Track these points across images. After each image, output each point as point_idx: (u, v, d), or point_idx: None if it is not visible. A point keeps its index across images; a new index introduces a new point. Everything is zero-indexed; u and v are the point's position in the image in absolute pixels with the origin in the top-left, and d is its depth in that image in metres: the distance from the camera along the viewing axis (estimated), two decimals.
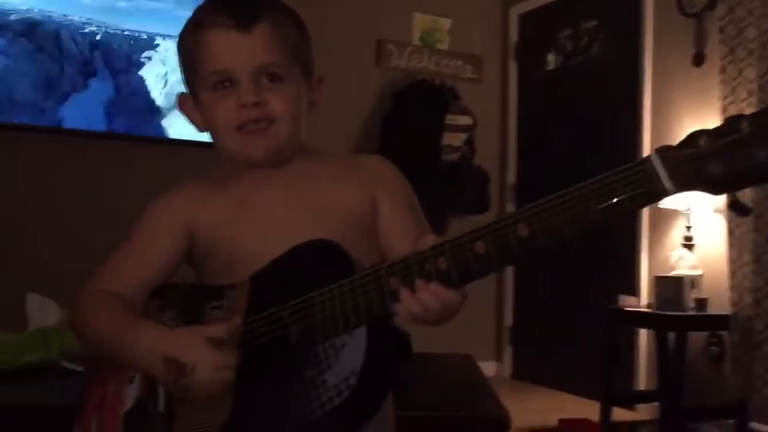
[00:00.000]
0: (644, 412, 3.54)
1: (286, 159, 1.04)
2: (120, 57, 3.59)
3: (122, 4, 3.62)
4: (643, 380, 3.62)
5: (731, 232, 3.16)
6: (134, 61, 3.62)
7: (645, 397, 3.51)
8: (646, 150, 3.71)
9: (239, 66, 0.99)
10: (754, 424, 2.95)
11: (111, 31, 3.58)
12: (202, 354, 0.88)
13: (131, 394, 0.95)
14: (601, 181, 0.79)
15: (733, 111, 3.19)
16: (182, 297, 1.00)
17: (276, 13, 1.02)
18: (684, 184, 0.75)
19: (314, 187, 1.04)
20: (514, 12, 4.60)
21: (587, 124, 4.09)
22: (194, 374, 0.87)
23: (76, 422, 1.02)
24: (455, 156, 4.20)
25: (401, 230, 1.02)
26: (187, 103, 1.08)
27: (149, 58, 3.66)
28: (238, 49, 0.98)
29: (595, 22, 4.16)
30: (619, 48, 3.97)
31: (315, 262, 0.92)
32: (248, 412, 0.91)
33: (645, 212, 3.70)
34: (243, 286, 0.95)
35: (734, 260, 3.13)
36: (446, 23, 4.45)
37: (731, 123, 0.72)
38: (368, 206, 1.04)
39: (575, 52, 4.26)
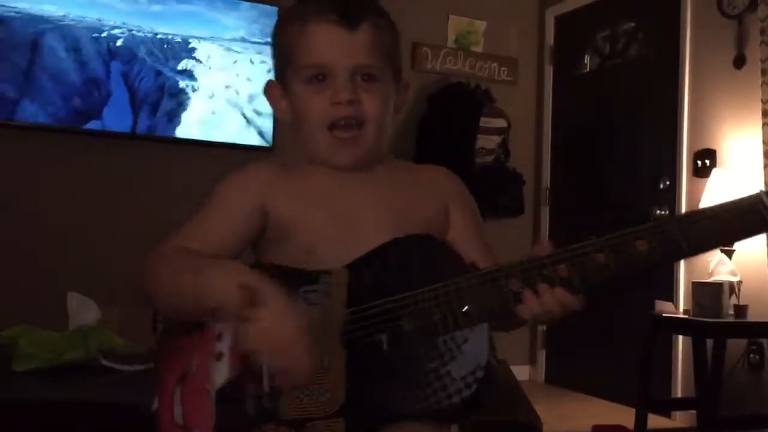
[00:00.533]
0: (681, 419, 3.49)
1: (370, 164, 1.05)
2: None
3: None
4: (680, 387, 3.56)
5: None
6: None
7: (682, 404, 3.46)
8: (685, 154, 3.65)
9: (339, 62, 0.99)
10: None
11: (140, 34, 3.64)
12: (278, 293, 0.85)
13: (221, 371, 0.90)
14: (716, 210, 0.88)
15: None
16: (272, 279, 0.95)
17: (378, 15, 1.04)
18: None
19: (394, 194, 1.05)
20: (550, 14, 4.56)
21: (624, 127, 4.04)
22: (266, 308, 0.83)
23: (155, 394, 1.00)
24: (489, 159, 4.18)
25: (471, 242, 1.06)
26: (274, 91, 1.08)
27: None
28: (341, 46, 1.00)
29: (632, 24, 4.11)
30: (658, 49, 3.91)
31: (420, 257, 0.95)
32: (362, 399, 0.91)
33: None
34: (340, 274, 0.94)
35: None
36: (481, 25, 4.44)
37: None
38: (443, 216, 1.07)
39: (612, 54, 4.21)
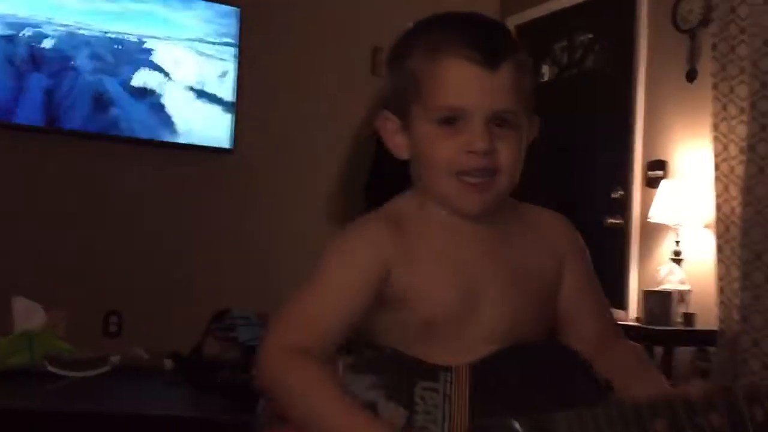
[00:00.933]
0: None
1: (491, 212, 0.96)
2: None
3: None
4: None
5: (720, 248, 3.17)
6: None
7: None
8: (638, 166, 3.72)
9: (477, 107, 0.90)
10: None
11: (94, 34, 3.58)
12: None
13: None
14: None
15: (724, 128, 3.21)
16: (386, 364, 0.89)
17: (519, 53, 0.94)
18: None
19: (515, 250, 0.97)
20: (511, 23, 4.60)
21: (579, 137, 4.11)
22: None
23: None
24: None
25: (585, 305, 1.00)
26: (389, 125, 0.99)
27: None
28: (481, 89, 0.90)
29: (590, 35, 4.18)
30: (613, 61, 3.99)
31: (550, 368, 0.87)
32: None
33: (635, 226, 3.72)
34: (461, 373, 0.86)
35: (722, 276, 3.14)
36: None
37: None
38: (558, 275, 1.00)
39: (570, 65, 4.28)
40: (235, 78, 3.85)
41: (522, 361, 0.88)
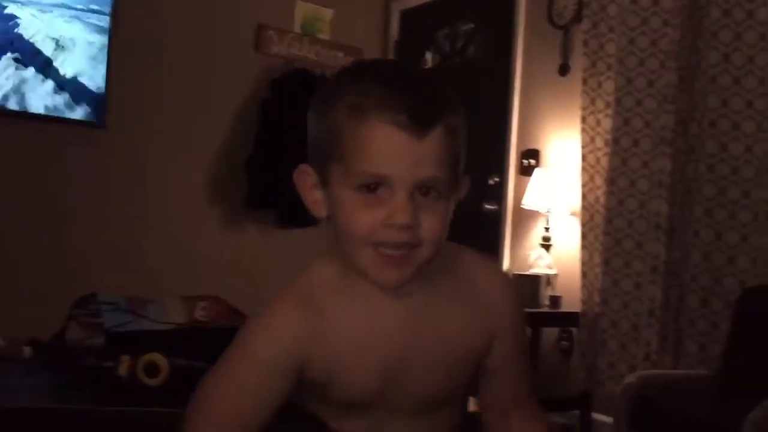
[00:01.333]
0: None
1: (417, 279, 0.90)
2: None
3: None
4: None
5: (584, 235, 3.36)
6: None
7: None
8: (513, 154, 3.87)
9: (401, 176, 0.82)
10: (596, 415, 3.16)
11: None
12: None
13: None
14: None
15: (591, 121, 3.39)
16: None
17: (453, 114, 0.85)
18: None
19: (443, 319, 0.92)
20: (396, 7, 4.65)
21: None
22: None
23: None
24: None
25: (509, 372, 0.98)
26: (307, 179, 0.90)
27: None
28: (405, 157, 0.82)
29: (471, 25, 4.28)
30: (493, 52, 4.11)
31: None
32: None
33: (508, 211, 3.87)
34: None
35: (586, 261, 3.33)
36: (328, 13, 4.44)
37: None
38: (488, 343, 0.95)
39: (452, 53, 4.37)
40: (107, 52, 3.65)
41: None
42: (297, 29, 4.34)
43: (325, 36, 4.43)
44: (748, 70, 2.92)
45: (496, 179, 3.97)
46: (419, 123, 0.81)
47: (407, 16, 4.60)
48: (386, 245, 0.84)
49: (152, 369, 1.51)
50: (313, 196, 0.90)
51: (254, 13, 4.17)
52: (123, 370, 1.50)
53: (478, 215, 3.96)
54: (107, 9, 3.64)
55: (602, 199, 3.31)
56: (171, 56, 3.89)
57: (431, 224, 0.85)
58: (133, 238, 3.75)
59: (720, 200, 2.96)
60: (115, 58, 3.68)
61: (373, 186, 0.83)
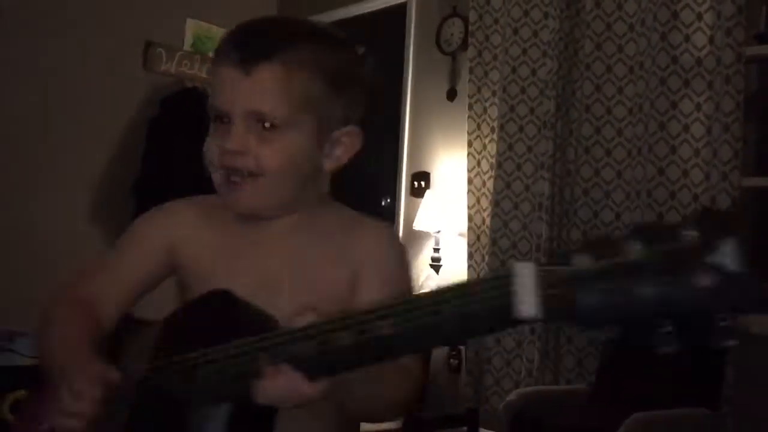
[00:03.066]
0: (391, 421, 3.75)
1: (283, 214, 0.98)
2: None
3: None
4: None
5: (471, 255, 3.47)
6: None
7: None
8: (404, 177, 3.95)
9: (232, 107, 0.92)
10: (484, 431, 3.25)
11: None
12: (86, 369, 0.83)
13: None
14: (466, 287, 0.64)
15: (478, 145, 3.51)
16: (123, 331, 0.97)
17: (294, 54, 0.91)
18: (550, 313, 0.58)
19: (303, 257, 0.97)
20: None
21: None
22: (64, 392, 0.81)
23: None
24: None
25: None
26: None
27: None
28: (234, 90, 0.91)
29: (364, 48, 4.34)
30: (384, 76, 4.19)
31: (215, 316, 0.84)
32: None
33: (400, 232, 3.94)
34: (157, 327, 0.91)
35: None
36: (220, 32, 4.39)
37: (618, 242, 0.56)
38: (348, 291, 0.96)
39: None
40: None
41: (199, 310, 0.86)
42: (187, 47, 4.28)
43: None
44: (618, 100, 3.11)
45: (388, 200, 4.04)
46: (246, 59, 0.90)
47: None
48: (229, 170, 0.93)
49: (18, 407, 1.44)
50: None
51: (143, 30, 4.08)
52: None
53: None
54: None
55: (488, 221, 3.43)
56: (54, 72, 3.75)
57: (269, 154, 0.92)
58: (8, 262, 3.56)
59: (595, 222, 3.13)
60: None
61: (221, 118, 0.93)
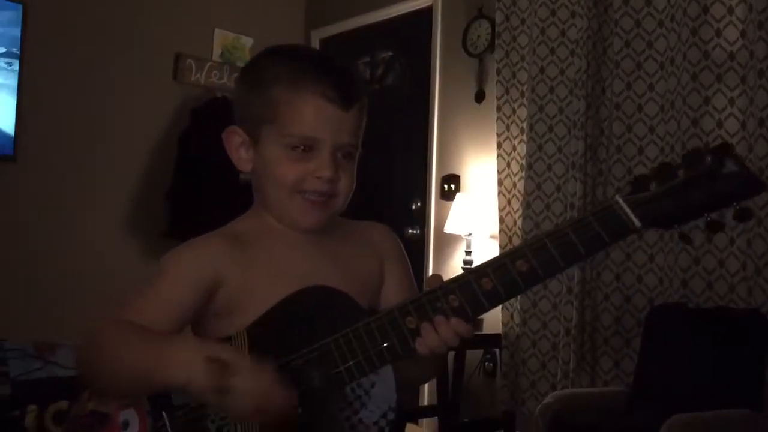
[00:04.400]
0: (428, 426, 3.75)
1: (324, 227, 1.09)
2: None
3: None
4: (427, 396, 3.82)
5: None
6: None
7: (427, 412, 3.71)
8: (433, 180, 3.94)
9: (328, 140, 1.01)
10: None
11: None
12: (244, 357, 0.88)
13: None
14: (581, 221, 0.91)
15: (507, 147, 3.49)
16: None
17: (365, 95, 1.07)
18: (648, 221, 0.89)
19: (343, 256, 1.09)
20: (316, 36, 4.69)
21: (380, 152, 4.26)
22: (236, 375, 0.85)
23: None
24: None
25: (403, 296, 1.09)
26: (234, 138, 1.07)
27: None
28: (333, 125, 1.01)
29: (390, 53, 4.36)
30: (411, 80, 4.19)
31: (316, 308, 0.96)
32: None
33: (431, 236, 3.93)
34: (240, 338, 0.95)
35: None
36: (248, 42, 4.44)
37: (669, 170, 0.89)
38: (380, 275, 1.12)
39: (372, 80, 4.43)
40: (17, 82, 3.55)
41: (290, 309, 0.97)
42: (216, 58, 4.32)
43: (244, 64, 4.42)
44: (649, 98, 3.07)
45: (418, 204, 4.03)
46: (345, 98, 1.02)
47: (327, 44, 4.64)
48: (311, 193, 1.03)
49: (61, 417, 1.47)
50: (240, 154, 1.07)
51: (172, 42, 4.14)
52: (30, 420, 1.46)
53: (402, 240, 3.99)
54: (18, 34, 3.54)
55: (519, 223, 3.41)
56: (85, 85, 3.82)
57: (346, 179, 1.05)
58: (47, 274, 3.63)
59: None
60: (26, 89, 3.58)
61: (303, 147, 1.02)
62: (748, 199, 0.88)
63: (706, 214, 0.88)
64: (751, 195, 0.88)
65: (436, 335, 0.92)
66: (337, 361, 0.93)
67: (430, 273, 3.90)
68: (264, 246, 1.05)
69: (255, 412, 0.87)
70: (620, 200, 0.90)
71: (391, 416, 0.93)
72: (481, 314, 0.94)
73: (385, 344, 0.92)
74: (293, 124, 1.01)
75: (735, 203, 0.87)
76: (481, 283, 0.91)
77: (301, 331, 0.94)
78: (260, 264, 1.03)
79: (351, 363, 0.92)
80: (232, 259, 1.01)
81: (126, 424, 0.91)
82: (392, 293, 1.13)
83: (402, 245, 1.19)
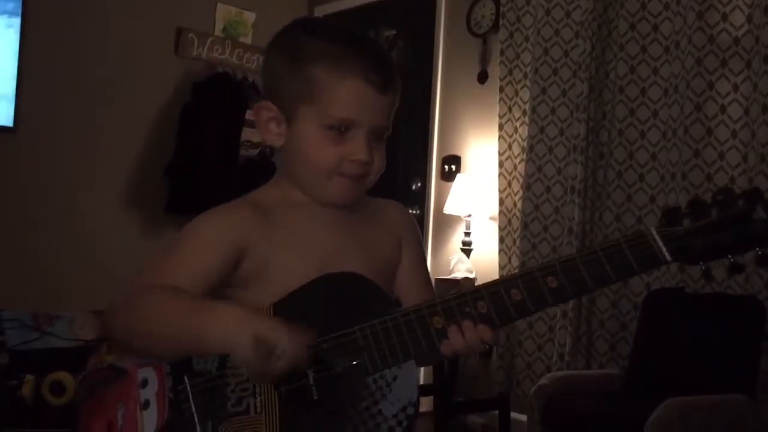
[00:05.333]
0: (424, 406, 3.77)
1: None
2: None
3: None
4: (423, 376, 3.84)
5: (502, 239, 3.45)
6: None
7: (423, 391, 3.73)
8: (434, 160, 3.93)
9: (366, 122, 1.02)
10: (515, 414, 3.25)
11: None
12: (287, 332, 0.87)
13: (149, 420, 0.90)
14: (614, 246, 0.92)
15: (509, 128, 3.48)
16: None
17: (398, 81, 1.07)
18: (678, 256, 0.91)
19: (365, 232, 1.10)
20: (319, 12, 4.65)
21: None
22: (284, 353, 0.86)
23: None
24: (254, 152, 4.18)
25: (420, 278, 1.15)
26: (266, 114, 1.06)
27: None
28: (373, 108, 1.02)
29: (393, 31, 4.33)
30: (414, 59, 4.16)
31: (346, 295, 0.97)
32: None
33: (431, 216, 3.93)
34: (266, 314, 0.95)
35: (504, 265, 3.42)
36: (250, 17, 4.40)
37: (702, 208, 0.92)
38: (398, 251, 1.13)
39: None
40: (17, 53, 3.53)
41: (321, 291, 0.97)
42: (218, 32, 4.29)
43: (247, 39, 4.39)
44: (653, 81, 3.05)
45: (419, 184, 4.02)
46: (384, 82, 1.02)
47: (335, 22, 4.60)
48: (346, 175, 1.03)
49: (58, 388, 1.48)
50: (270, 128, 1.06)
51: (173, 16, 4.11)
52: (27, 390, 1.47)
53: None
54: (18, 9, 3.52)
55: (519, 205, 3.41)
56: (86, 59, 3.79)
57: (379, 160, 1.06)
58: (45, 245, 3.64)
59: (628, 205, 3.09)
60: (27, 60, 3.56)
61: (340, 127, 1.01)
62: None
63: (730, 256, 0.92)
64: None
65: (462, 339, 0.93)
66: (362, 351, 0.94)
67: (430, 253, 3.90)
68: (289, 219, 1.04)
69: (283, 373, 0.89)
70: (654, 232, 0.91)
71: (410, 410, 0.95)
72: (508, 324, 0.97)
73: (411, 341, 0.94)
74: (333, 105, 1.00)
75: (758, 249, 0.90)
76: (511, 294, 0.93)
77: (328, 316, 0.95)
78: (285, 237, 1.03)
79: (375, 354, 0.93)
80: (259, 228, 1.01)
81: (145, 383, 0.92)
82: (407, 272, 1.14)
83: (417, 224, 1.20)
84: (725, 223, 0.90)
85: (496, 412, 3.31)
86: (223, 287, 1.01)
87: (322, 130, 1.01)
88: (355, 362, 0.93)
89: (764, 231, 0.89)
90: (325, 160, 1.02)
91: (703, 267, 0.93)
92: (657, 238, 0.91)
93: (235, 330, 0.87)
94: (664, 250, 0.90)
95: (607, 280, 0.92)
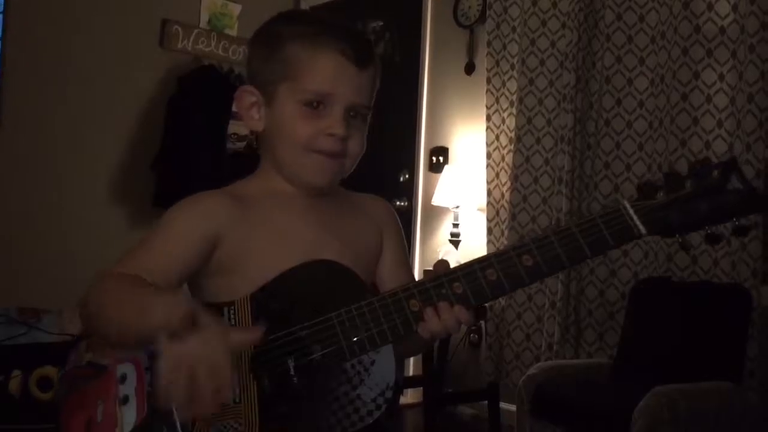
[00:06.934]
0: (412, 396, 3.78)
1: (325, 193, 1.09)
2: None
3: None
4: (412, 367, 3.85)
5: (490, 230, 3.45)
6: None
7: (412, 383, 3.74)
8: (422, 151, 3.93)
9: (342, 96, 1.02)
10: (504, 404, 3.26)
11: None
12: (215, 319, 0.84)
13: (128, 415, 0.89)
14: (588, 222, 0.92)
15: (496, 119, 3.48)
16: None
17: (377, 60, 1.07)
18: (653, 229, 0.91)
19: (345, 223, 1.10)
20: (305, 4, 4.63)
21: (369, 123, 4.24)
22: (200, 331, 0.81)
23: None
24: (241, 145, 4.15)
25: (401, 273, 1.15)
26: (247, 99, 1.06)
27: None
28: (349, 82, 1.02)
29: (380, 23, 4.31)
30: (402, 50, 4.15)
31: (324, 282, 0.97)
32: (276, 428, 0.93)
33: (419, 208, 3.93)
34: (243, 304, 0.95)
35: None
36: (236, 9, 4.37)
37: (677, 180, 0.91)
38: (379, 245, 1.14)
39: None
40: (0, 46, 3.49)
41: (299, 279, 0.97)
42: (204, 25, 4.26)
43: (232, 32, 4.36)
44: (639, 72, 3.06)
45: (407, 176, 4.02)
46: (362, 57, 1.02)
47: (316, 11, 4.58)
48: (322, 152, 1.03)
49: (45, 383, 1.47)
50: (251, 113, 1.07)
51: (158, 8, 4.07)
52: (14, 385, 1.45)
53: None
54: (1, 2, 3.48)
55: (507, 196, 3.41)
56: (71, 52, 3.76)
57: (356, 140, 1.05)
58: (32, 240, 3.60)
59: (616, 196, 3.10)
60: (10, 53, 3.52)
61: (316, 103, 1.02)
62: (749, 215, 0.91)
63: (706, 227, 0.91)
64: (753, 212, 0.90)
65: (438, 320, 0.93)
66: (340, 337, 0.94)
67: (418, 245, 3.90)
68: (267, 209, 1.05)
69: (186, 379, 0.79)
70: (628, 206, 0.91)
71: (388, 394, 0.95)
72: (484, 303, 0.96)
73: (388, 325, 0.94)
74: (310, 79, 1.01)
75: (735, 219, 0.89)
76: (486, 274, 0.92)
77: (305, 304, 0.95)
78: (262, 226, 1.03)
79: (353, 340, 0.94)
80: (233, 217, 1.01)
81: (124, 378, 0.91)
82: (388, 265, 1.14)
83: (399, 219, 1.21)
84: (700, 194, 0.89)
85: (486, 402, 3.32)
86: (200, 276, 1.02)
87: (299, 106, 1.02)
88: (332, 348, 0.93)
89: (739, 201, 0.88)
90: (301, 134, 1.02)
91: (680, 240, 0.92)
92: (631, 212, 0.90)
93: (171, 301, 0.84)
94: (638, 223, 0.90)
95: (583, 256, 0.92)
